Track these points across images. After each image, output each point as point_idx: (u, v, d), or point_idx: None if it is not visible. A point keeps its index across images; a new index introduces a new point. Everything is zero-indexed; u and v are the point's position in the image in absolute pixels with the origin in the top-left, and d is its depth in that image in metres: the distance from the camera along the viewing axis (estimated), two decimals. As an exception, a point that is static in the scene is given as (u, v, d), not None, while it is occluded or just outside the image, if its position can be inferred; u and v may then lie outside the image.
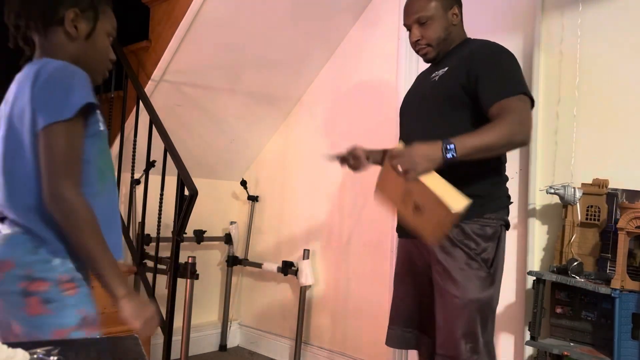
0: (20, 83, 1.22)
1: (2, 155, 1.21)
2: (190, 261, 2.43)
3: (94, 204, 1.16)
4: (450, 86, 1.66)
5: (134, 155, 2.64)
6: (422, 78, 1.87)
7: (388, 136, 2.76)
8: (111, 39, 1.32)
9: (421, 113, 1.77)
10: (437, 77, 1.72)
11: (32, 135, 1.15)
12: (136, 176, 2.70)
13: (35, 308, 1.13)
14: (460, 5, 1.82)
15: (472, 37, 1.82)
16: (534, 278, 2.02)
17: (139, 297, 1.19)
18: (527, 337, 2.07)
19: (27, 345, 0.85)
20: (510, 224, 2.33)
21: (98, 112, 1.22)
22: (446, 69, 1.70)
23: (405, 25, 1.80)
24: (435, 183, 1.46)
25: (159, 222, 2.50)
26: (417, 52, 1.80)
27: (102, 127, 1.23)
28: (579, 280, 1.89)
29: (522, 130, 1.55)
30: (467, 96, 1.63)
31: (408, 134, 1.80)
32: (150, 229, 2.64)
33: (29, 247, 1.15)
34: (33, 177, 1.15)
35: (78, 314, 1.17)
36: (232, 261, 3.32)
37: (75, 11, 1.23)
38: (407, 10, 1.77)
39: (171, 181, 2.42)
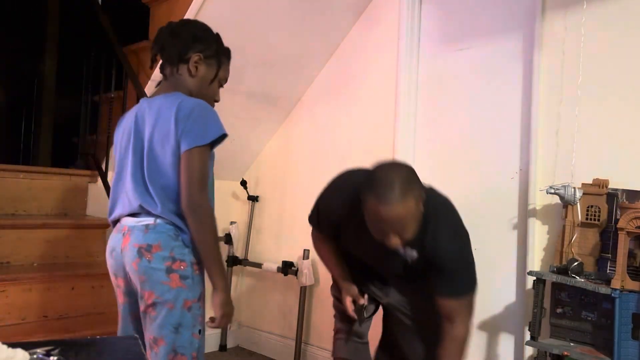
0: (160, 111, 1.51)
1: (133, 165, 1.53)
2: (190, 261, 2.43)
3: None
4: (419, 271, 1.77)
5: (134, 155, 2.63)
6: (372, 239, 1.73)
7: (387, 136, 2.77)
8: (222, 85, 1.68)
9: (389, 272, 1.91)
10: (409, 259, 1.76)
11: (173, 156, 1.47)
12: (136, 176, 2.70)
13: (175, 282, 1.48)
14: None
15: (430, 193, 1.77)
16: (534, 278, 2.02)
17: (229, 294, 1.56)
18: (527, 337, 2.06)
19: (27, 345, 0.85)
20: (510, 223, 2.35)
21: None
22: (415, 254, 1.75)
23: (376, 228, 1.64)
24: None
25: (159, 222, 2.50)
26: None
27: (214, 151, 1.57)
28: (579, 280, 1.88)
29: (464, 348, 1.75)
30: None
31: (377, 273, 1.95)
32: (150, 229, 2.64)
33: (172, 234, 1.49)
34: (172, 187, 1.49)
35: (199, 289, 1.55)
36: (232, 261, 3.32)
37: (200, 56, 1.58)
38: (388, 222, 1.59)
39: (171, 181, 2.42)
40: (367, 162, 2.86)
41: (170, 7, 2.71)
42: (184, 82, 1.59)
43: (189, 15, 2.55)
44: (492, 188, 2.41)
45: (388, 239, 1.63)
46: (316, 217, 1.93)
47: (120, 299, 1.62)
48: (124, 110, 2.78)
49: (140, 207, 1.51)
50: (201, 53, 1.58)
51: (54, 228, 2.57)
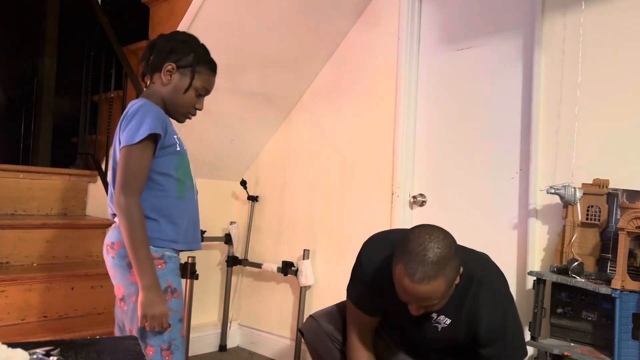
0: (120, 121, 1.60)
1: (111, 172, 1.63)
2: (190, 261, 2.43)
3: (179, 206, 1.61)
4: (456, 339, 1.67)
5: (133, 155, 2.63)
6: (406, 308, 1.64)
7: (387, 136, 2.77)
8: (201, 94, 1.69)
9: (420, 341, 1.79)
10: (440, 327, 1.66)
11: None
12: (136, 176, 2.70)
13: (135, 277, 1.51)
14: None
15: (467, 262, 1.65)
16: (535, 278, 2.02)
17: (158, 294, 1.51)
18: (528, 337, 2.06)
19: (27, 345, 0.85)
20: (510, 223, 2.35)
21: (175, 137, 1.62)
22: (448, 322, 1.66)
23: (401, 295, 1.54)
24: None
25: (159, 222, 2.50)
26: None
27: (179, 148, 1.62)
28: (580, 281, 1.88)
29: None
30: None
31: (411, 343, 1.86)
32: (150, 229, 2.64)
33: None
34: None
35: (164, 283, 1.55)
36: (232, 261, 3.32)
37: (172, 65, 1.62)
38: (415, 298, 1.51)
39: (171, 181, 2.42)
40: (367, 162, 2.87)
41: (170, 7, 2.71)
42: (157, 91, 1.65)
43: (189, 15, 2.55)
44: (492, 188, 2.41)
45: (411, 307, 1.56)
46: (360, 294, 1.78)
47: (114, 289, 1.70)
48: (123, 110, 2.77)
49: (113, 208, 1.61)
50: (174, 63, 1.63)
51: (53, 228, 2.56)
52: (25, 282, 2.26)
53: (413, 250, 1.49)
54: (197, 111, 1.71)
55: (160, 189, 1.58)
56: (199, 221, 1.71)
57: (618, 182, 1.99)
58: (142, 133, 1.50)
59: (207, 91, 1.71)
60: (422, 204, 2.65)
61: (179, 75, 1.63)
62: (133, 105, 1.59)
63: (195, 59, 1.66)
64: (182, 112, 1.68)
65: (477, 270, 1.65)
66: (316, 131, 3.12)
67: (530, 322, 2.01)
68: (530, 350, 2.17)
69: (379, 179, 2.77)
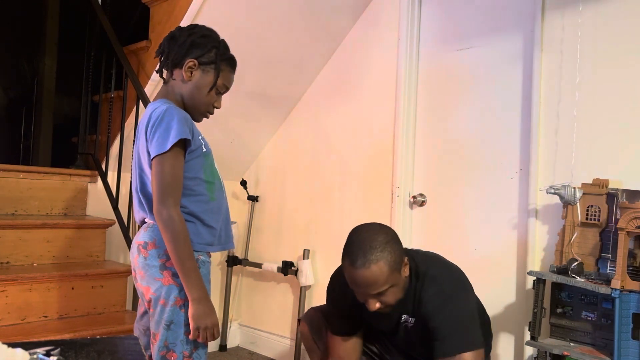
0: (144, 120, 1.54)
1: (133, 172, 1.61)
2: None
3: (212, 209, 1.57)
4: (426, 336, 1.70)
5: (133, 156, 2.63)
6: (379, 315, 1.73)
7: (387, 136, 2.77)
8: (221, 92, 1.64)
9: (407, 345, 1.85)
10: (409, 326, 1.75)
11: (149, 166, 1.51)
12: (136, 176, 2.70)
13: (168, 280, 1.49)
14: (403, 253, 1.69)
15: (415, 258, 1.76)
16: (534, 278, 2.02)
17: (208, 305, 1.49)
18: (527, 337, 2.06)
19: (27, 345, 0.85)
20: (510, 223, 2.35)
21: (200, 137, 1.57)
22: (413, 320, 1.73)
23: (356, 292, 1.65)
24: None
25: (159, 222, 2.50)
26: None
27: (204, 149, 1.58)
28: (579, 280, 1.88)
29: None
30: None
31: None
32: (150, 229, 2.64)
33: None
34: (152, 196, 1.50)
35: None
36: (232, 261, 3.32)
37: (194, 62, 1.56)
38: (361, 285, 1.60)
39: (171, 181, 2.42)
40: (366, 162, 2.87)
41: (170, 7, 2.71)
42: (177, 88, 1.59)
43: (189, 15, 2.55)
44: (492, 188, 2.41)
45: (368, 303, 1.63)
46: (334, 320, 1.89)
47: (139, 291, 1.63)
48: (123, 110, 2.78)
49: (144, 212, 1.59)
50: (196, 59, 1.56)
51: (53, 228, 2.56)
52: (25, 282, 2.26)
53: (353, 243, 1.62)
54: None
55: (192, 194, 1.54)
56: (230, 219, 1.68)
57: (618, 182, 2.00)
58: (172, 140, 1.45)
59: (227, 89, 1.66)
60: (422, 204, 2.65)
61: (200, 72, 1.57)
62: (155, 109, 1.52)
63: (218, 55, 1.60)
64: (202, 110, 1.63)
65: (425, 266, 1.73)
66: (316, 131, 3.12)
67: (530, 322, 2.01)
68: (530, 350, 2.18)
69: (379, 178, 2.77)
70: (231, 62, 1.64)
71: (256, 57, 2.86)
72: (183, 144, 1.50)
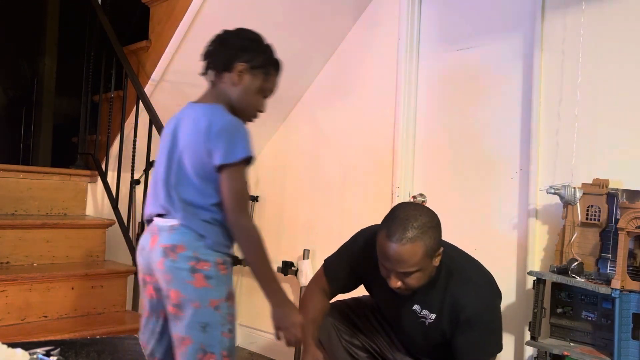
0: (195, 122, 1.52)
1: (165, 169, 1.55)
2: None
3: None
4: (443, 334, 1.71)
5: (133, 155, 2.64)
6: (394, 295, 1.72)
7: (387, 136, 2.77)
8: (267, 96, 1.66)
9: (411, 340, 1.84)
10: (427, 322, 1.72)
11: (200, 170, 1.49)
12: (136, 176, 2.70)
13: (200, 282, 1.48)
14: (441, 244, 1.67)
15: (450, 252, 1.73)
16: (534, 278, 2.02)
17: (290, 307, 1.54)
18: (527, 337, 2.06)
19: (27, 345, 0.85)
20: (510, 223, 2.35)
21: None
22: (434, 316, 1.70)
23: (383, 265, 1.64)
24: None
25: (159, 222, 2.50)
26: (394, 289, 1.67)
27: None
28: (579, 281, 1.88)
29: None
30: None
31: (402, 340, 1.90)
32: (150, 229, 2.64)
33: (195, 236, 1.50)
34: (194, 201, 1.51)
35: (227, 289, 1.54)
36: (232, 261, 3.31)
37: (245, 65, 1.56)
38: (391, 259, 1.59)
39: (171, 181, 2.42)
40: (366, 162, 2.86)
41: (170, 7, 2.71)
42: (226, 91, 1.59)
43: (189, 15, 2.55)
44: (492, 188, 2.41)
45: (390, 279, 1.61)
46: (336, 265, 1.88)
47: (150, 294, 1.59)
48: (123, 110, 2.78)
49: (167, 208, 1.54)
50: (247, 63, 1.57)
51: (53, 228, 2.56)
52: (25, 282, 2.26)
53: (397, 217, 1.59)
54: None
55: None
56: None
57: (618, 182, 2.00)
58: (244, 152, 1.48)
59: (272, 93, 1.66)
60: (422, 203, 2.65)
61: (250, 76, 1.58)
62: (215, 113, 1.52)
63: (266, 59, 1.61)
64: (249, 114, 1.63)
65: (461, 264, 1.72)
66: (316, 131, 3.12)
67: (530, 322, 2.01)
68: (530, 350, 2.18)
69: (379, 178, 2.77)
70: (277, 66, 1.65)
71: (256, 57, 2.86)
72: (248, 159, 1.52)
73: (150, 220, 1.62)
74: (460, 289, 1.66)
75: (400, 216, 1.60)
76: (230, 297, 1.55)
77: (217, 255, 1.53)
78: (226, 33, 1.62)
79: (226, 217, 1.51)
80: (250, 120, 1.64)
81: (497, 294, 1.74)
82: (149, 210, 1.60)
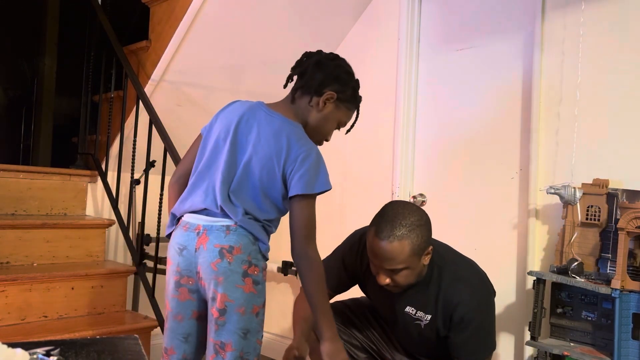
0: (275, 135, 1.51)
1: (226, 167, 1.51)
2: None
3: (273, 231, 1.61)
4: (438, 334, 1.72)
5: (133, 155, 2.64)
6: (387, 295, 1.77)
7: (387, 136, 2.77)
8: (338, 128, 1.67)
9: (408, 340, 1.85)
10: (422, 323, 1.72)
11: (268, 184, 1.50)
12: (136, 176, 2.70)
13: (249, 287, 1.49)
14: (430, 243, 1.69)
15: (442, 252, 1.75)
16: (534, 278, 2.02)
17: (339, 344, 1.54)
18: (527, 337, 2.06)
19: (27, 345, 0.85)
20: (510, 223, 2.35)
21: None
22: (429, 318, 1.70)
23: (372, 263, 1.68)
24: None
25: (159, 222, 2.50)
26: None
27: None
28: (579, 280, 1.88)
29: None
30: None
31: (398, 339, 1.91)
32: (150, 229, 2.64)
33: (251, 239, 1.51)
34: (261, 202, 1.52)
35: (265, 296, 1.55)
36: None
37: (333, 95, 1.57)
38: (378, 256, 1.62)
39: (171, 181, 2.42)
40: (366, 162, 2.86)
41: (170, 7, 2.71)
42: (307, 112, 1.58)
43: (189, 15, 2.55)
44: (492, 188, 2.41)
45: (378, 276, 1.64)
46: (330, 265, 1.88)
47: (185, 296, 1.55)
48: (123, 110, 2.78)
49: (222, 208, 1.50)
50: (336, 93, 1.57)
51: (53, 228, 2.56)
52: (25, 282, 2.26)
53: (386, 215, 1.62)
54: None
55: (277, 221, 1.62)
56: None
57: (618, 182, 2.00)
58: (322, 187, 1.50)
59: (344, 126, 1.68)
60: (422, 203, 2.65)
61: (334, 106, 1.59)
62: (299, 136, 1.52)
63: (354, 94, 1.63)
64: (318, 139, 1.62)
65: (453, 263, 1.73)
66: (316, 131, 3.11)
67: (530, 322, 2.01)
68: (530, 350, 2.18)
69: (379, 178, 2.77)
70: (358, 103, 1.67)
71: (256, 57, 2.86)
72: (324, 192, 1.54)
73: (180, 217, 1.56)
74: (453, 289, 1.67)
75: (389, 214, 1.63)
76: (265, 303, 1.56)
77: (264, 261, 1.56)
78: (323, 56, 1.62)
79: (293, 245, 1.54)
80: (319, 144, 1.64)
81: (490, 292, 1.74)
82: (193, 203, 1.53)
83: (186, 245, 1.51)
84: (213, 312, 1.48)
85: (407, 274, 1.62)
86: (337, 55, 1.65)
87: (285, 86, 1.64)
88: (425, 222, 1.65)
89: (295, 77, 1.62)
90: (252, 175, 1.51)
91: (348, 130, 1.69)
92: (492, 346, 1.72)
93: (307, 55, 1.64)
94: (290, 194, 1.50)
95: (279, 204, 1.55)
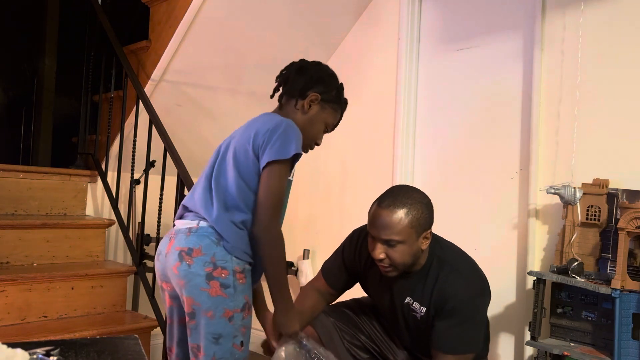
0: (249, 124, 1.57)
1: (207, 172, 1.55)
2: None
3: None
4: (431, 330, 1.71)
5: (133, 155, 2.64)
6: (387, 289, 1.78)
7: (387, 136, 2.77)
8: (327, 131, 1.68)
9: (408, 336, 1.84)
10: (418, 315, 1.72)
11: (244, 164, 1.49)
12: (136, 176, 2.70)
13: (216, 291, 1.43)
14: (431, 227, 1.70)
15: (444, 245, 1.77)
16: (534, 278, 2.02)
17: (294, 316, 1.57)
18: (527, 337, 2.06)
19: (27, 345, 0.84)
20: (510, 223, 2.35)
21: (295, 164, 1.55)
22: (424, 310, 1.70)
23: (370, 235, 1.68)
24: None
25: (159, 222, 2.50)
26: (379, 265, 1.69)
27: (292, 178, 1.57)
28: (579, 280, 1.88)
29: None
30: None
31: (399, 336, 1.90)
32: (150, 229, 2.64)
33: (214, 239, 1.46)
34: (232, 194, 1.48)
35: (244, 299, 1.49)
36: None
37: (317, 96, 1.60)
38: (377, 224, 1.63)
39: (171, 181, 2.42)
40: (366, 162, 2.86)
41: (170, 7, 2.71)
42: (293, 115, 1.61)
43: (189, 15, 2.55)
44: (492, 188, 2.41)
45: (374, 249, 1.64)
46: (332, 262, 1.93)
47: (167, 302, 1.58)
48: (123, 110, 2.78)
49: (198, 206, 1.51)
50: (320, 94, 1.61)
51: (53, 228, 2.56)
52: (25, 282, 2.26)
53: (391, 191, 1.67)
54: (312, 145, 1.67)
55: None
56: None
57: (618, 182, 2.00)
58: (293, 150, 1.47)
59: (333, 129, 1.70)
60: (422, 204, 2.65)
61: (319, 107, 1.62)
62: (274, 118, 1.54)
63: (338, 95, 1.66)
64: (307, 142, 1.62)
65: (453, 258, 1.74)
66: (316, 131, 3.11)
67: (530, 322, 2.01)
68: (530, 350, 2.18)
69: (379, 178, 2.77)
70: (344, 105, 1.69)
71: (256, 57, 2.86)
72: (292, 161, 1.51)
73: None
74: (449, 281, 1.67)
75: (394, 190, 1.68)
76: (246, 308, 1.50)
77: (236, 263, 1.48)
78: (305, 62, 1.67)
79: (257, 217, 1.47)
80: (306, 151, 1.64)
81: (485, 293, 1.73)
82: (199, 203, 1.54)
83: (161, 250, 1.54)
84: (186, 316, 1.48)
85: (402, 249, 1.61)
86: (319, 62, 1.69)
87: (272, 96, 1.68)
88: (427, 203, 1.67)
89: (281, 88, 1.67)
90: (229, 157, 1.53)
91: (328, 131, 1.70)
92: (475, 345, 1.68)
93: (289, 65, 1.69)
94: (262, 163, 1.47)
95: (252, 185, 1.50)
